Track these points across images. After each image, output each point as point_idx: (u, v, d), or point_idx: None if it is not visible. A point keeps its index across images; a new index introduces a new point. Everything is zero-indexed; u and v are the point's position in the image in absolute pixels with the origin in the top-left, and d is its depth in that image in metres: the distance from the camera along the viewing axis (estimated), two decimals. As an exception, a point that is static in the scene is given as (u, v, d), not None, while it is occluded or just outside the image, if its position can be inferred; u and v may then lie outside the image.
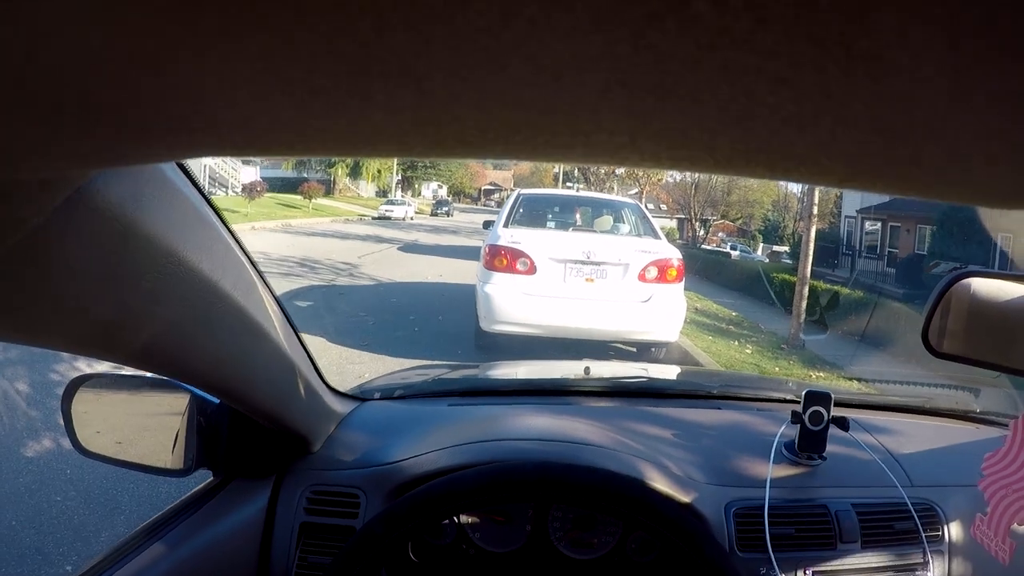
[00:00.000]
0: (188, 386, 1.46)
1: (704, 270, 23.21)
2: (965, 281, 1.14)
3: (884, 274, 29.68)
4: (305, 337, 1.50)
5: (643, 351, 8.39)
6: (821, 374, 9.74)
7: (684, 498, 1.58)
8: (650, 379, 2.57)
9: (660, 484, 1.56)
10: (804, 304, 12.43)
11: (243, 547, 1.53)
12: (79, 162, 0.44)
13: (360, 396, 1.97)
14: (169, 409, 1.50)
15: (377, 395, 2.02)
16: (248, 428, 1.50)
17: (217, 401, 1.47)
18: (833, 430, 1.76)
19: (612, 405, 2.13)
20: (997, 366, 1.13)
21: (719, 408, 2.17)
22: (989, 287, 1.17)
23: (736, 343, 11.73)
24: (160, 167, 0.74)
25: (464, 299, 9.15)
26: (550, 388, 2.36)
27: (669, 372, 3.96)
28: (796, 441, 1.77)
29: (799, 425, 1.76)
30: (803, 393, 1.77)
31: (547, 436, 1.77)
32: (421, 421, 1.85)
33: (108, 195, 0.60)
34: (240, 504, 1.55)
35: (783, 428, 1.82)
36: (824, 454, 1.77)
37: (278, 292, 1.32)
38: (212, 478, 1.59)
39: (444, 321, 10.33)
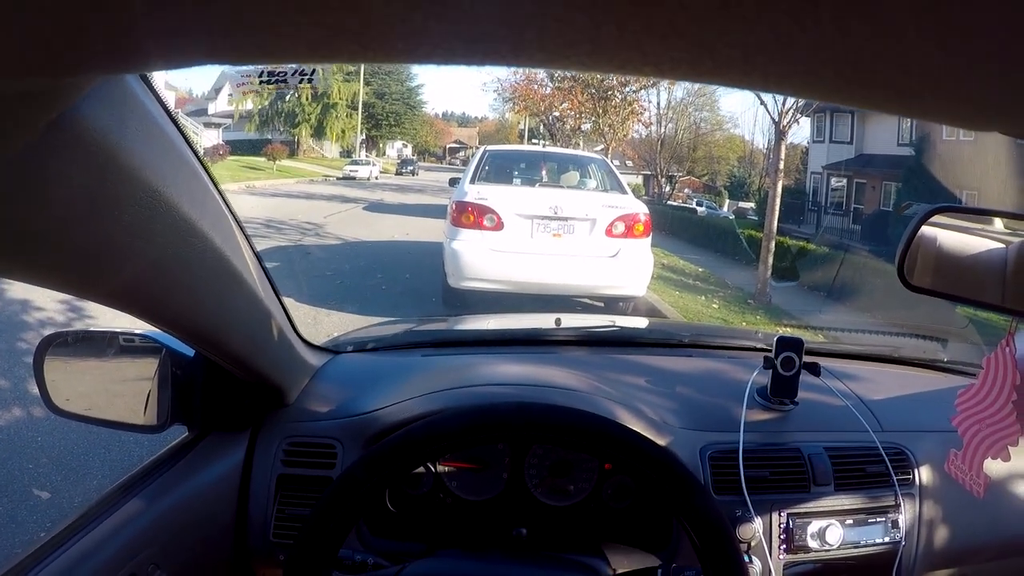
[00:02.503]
0: (162, 338, 1.45)
1: (671, 226, 23.26)
2: (938, 216, 1.14)
3: (850, 230, 29.97)
4: None
5: (611, 306, 8.41)
6: (788, 328, 9.82)
7: (660, 441, 1.58)
8: (622, 328, 2.59)
9: (636, 426, 1.55)
10: (771, 259, 12.50)
11: (221, 500, 1.52)
12: (58, 70, 0.43)
13: (333, 349, 1.96)
14: (139, 373, 1.48)
15: (350, 348, 2.01)
16: (223, 380, 1.49)
17: (192, 354, 1.46)
18: (805, 376, 1.78)
19: (584, 354, 2.13)
20: (969, 300, 1.15)
21: (690, 356, 2.18)
22: (962, 222, 1.18)
23: (703, 298, 11.81)
24: (145, 105, 0.74)
25: (431, 257, 9.11)
26: (523, 338, 2.36)
27: (639, 323, 3.97)
28: (768, 387, 1.78)
29: (771, 371, 1.77)
30: (775, 339, 1.78)
31: (522, 381, 1.77)
32: (395, 372, 1.85)
33: (92, 122, 0.60)
34: (217, 457, 1.54)
35: (755, 374, 1.83)
36: (796, 399, 1.78)
37: None
38: (187, 433, 1.58)
39: (411, 279, 10.32)
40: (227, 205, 1.09)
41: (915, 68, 0.36)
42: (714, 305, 11.34)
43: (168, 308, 1.04)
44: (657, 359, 2.12)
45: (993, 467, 1.76)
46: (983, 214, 1.20)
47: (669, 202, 36.69)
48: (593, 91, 22.37)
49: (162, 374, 1.47)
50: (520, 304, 7.53)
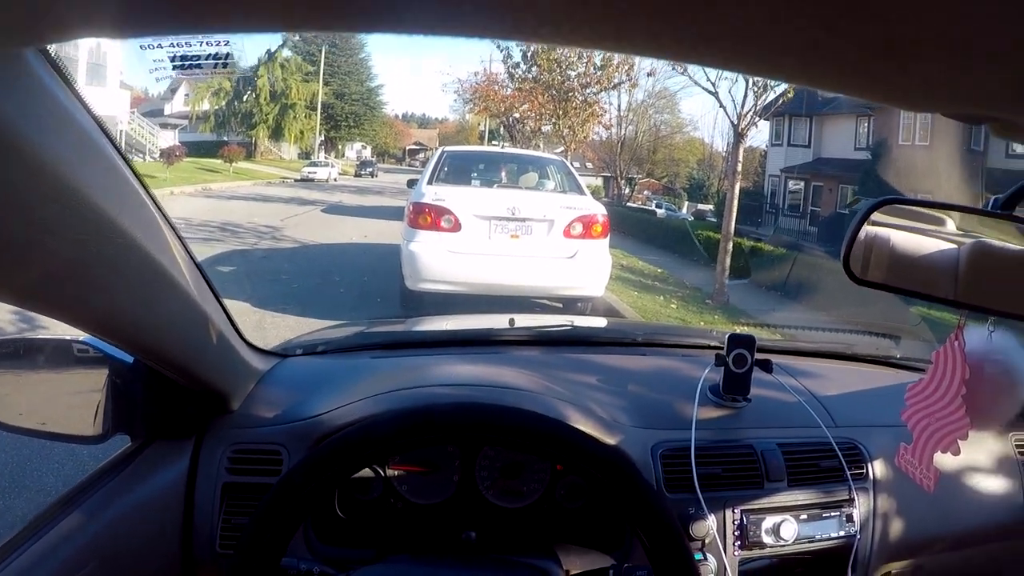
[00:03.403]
0: (101, 345, 1.41)
1: (630, 228, 23.37)
2: (885, 208, 1.14)
3: (807, 232, 30.45)
4: (229, 302, 1.45)
5: (569, 307, 8.41)
6: (745, 327, 9.88)
7: (610, 440, 1.58)
8: (575, 327, 2.57)
9: (585, 426, 1.54)
10: (728, 260, 12.60)
11: (166, 511, 1.48)
12: None
13: (281, 353, 1.92)
14: (93, 383, 1.43)
15: (299, 351, 1.97)
16: (165, 388, 1.45)
17: (131, 361, 1.42)
18: (758, 373, 1.78)
19: (537, 354, 2.12)
20: (915, 293, 1.15)
21: (644, 355, 2.18)
22: (907, 214, 1.17)
23: (661, 298, 11.88)
24: (53, 92, 0.71)
25: (390, 259, 9.07)
26: (474, 338, 2.33)
27: (594, 322, 3.96)
28: (721, 384, 1.79)
29: (723, 368, 1.77)
30: (726, 336, 1.79)
31: (470, 382, 1.76)
32: (343, 374, 1.82)
33: None
34: (160, 467, 1.51)
35: (707, 371, 1.83)
36: (749, 396, 1.79)
37: (200, 258, 1.26)
38: (131, 443, 1.55)
39: (369, 282, 10.28)
40: (153, 200, 1.06)
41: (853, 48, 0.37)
42: (672, 305, 11.40)
43: (89, 309, 1.01)
44: (610, 358, 2.11)
45: (946, 460, 1.78)
46: (928, 206, 1.21)
47: (628, 204, 36.88)
48: (554, 92, 22.42)
49: (106, 384, 1.43)
50: (478, 306, 7.49)
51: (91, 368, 1.44)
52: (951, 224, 1.16)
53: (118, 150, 0.89)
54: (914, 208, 1.20)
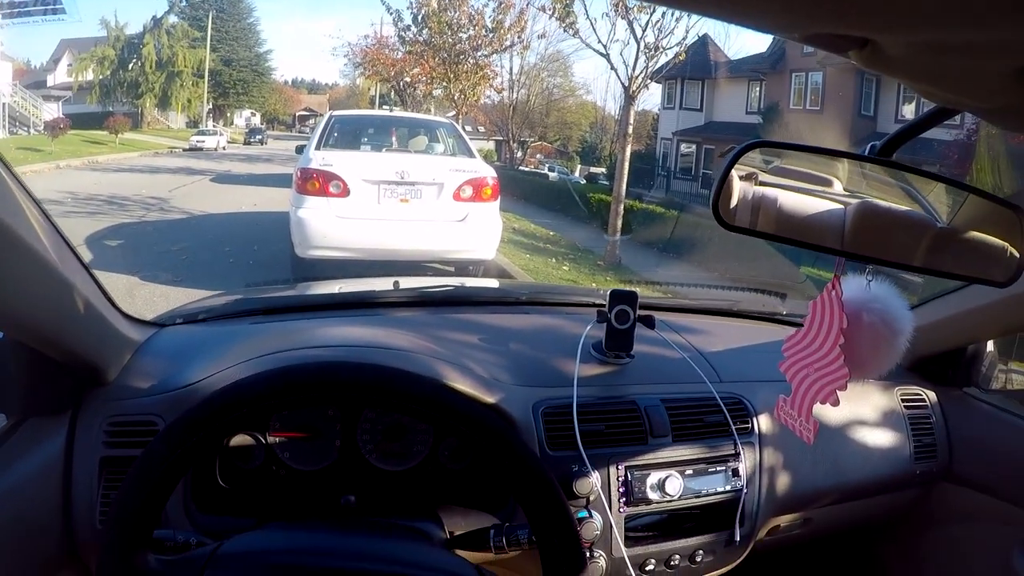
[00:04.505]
0: None
1: (522, 191, 23.37)
2: (752, 153, 1.12)
3: (698, 195, 30.84)
4: (115, 276, 1.40)
5: (461, 270, 8.39)
6: (638, 288, 9.98)
7: (488, 399, 1.57)
8: (457, 288, 2.54)
9: (462, 385, 1.55)
10: (620, 222, 12.72)
11: (44, 489, 1.43)
12: None
13: (160, 323, 1.87)
14: None
15: (179, 320, 1.92)
16: (37, 363, 1.40)
17: (0, 336, 1.37)
18: (641, 330, 1.79)
19: (420, 315, 2.10)
20: (782, 238, 1.12)
21: (527, 313, 2.17)
22: (771, 161, 1.16)
23: (553, 260, 11.94)
24: None
25: (281, 227, 8.90)
26: (356, 301, 2.29)
27: (479, 283, 3.96)
28: (604, 340, 1.79)
29: (606, 324, 1.77)
30: (608, 292, 1.79)
31: (348, 343, 1.73)
32: (222, 341, 1.77)
33: None
34: (36, 444, 1.45)
35: (589, 328, 1.84)
36: (632, 353, 1.80)
37: (86, 233, 1.22)
38: (6, 421, 1.49)
39: (260, 251, 10.15)
40: (10, 173, 1.03)
41: None
42: (564, 267, 11.47)
43: None
44: (493, 317, 2.10)
45: (833, 415, 1.79)
46: (793, 149, 1.20)
47: (521, 167, 36.78)
48: (445, 55, 22.19)
49: None
50: (369, 272, 7.41)
51: None
52: (837, 188, 1.16)
53: None
54: (780, 150, 1.19)
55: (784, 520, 1.86)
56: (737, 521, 1.68)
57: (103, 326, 1.52)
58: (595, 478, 1.54)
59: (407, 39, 23.63)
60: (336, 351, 1.66)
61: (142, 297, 6.95)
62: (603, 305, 1.82)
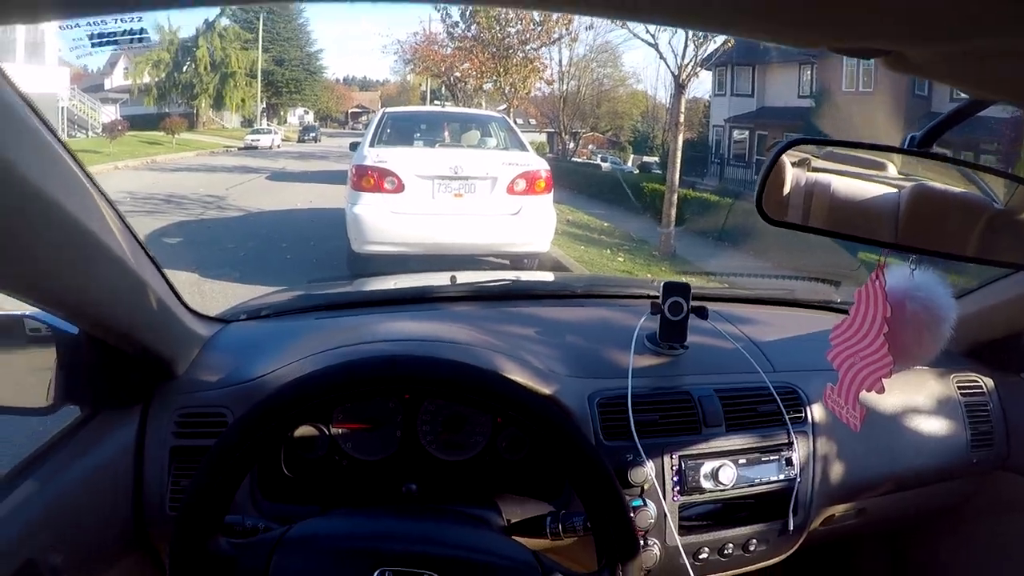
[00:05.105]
0: (45, 317, 1.41)
1: (575, 183, 23.29)
2: (795, 149, 1.14)
3: (751, 182, 30.27)
4: (176, 273, 1.44)
5: (516, 264, 8.38)
6: (691, 277, 9.90)
7: (545, 390, 1.59)
8: (514, 282, 2.55)
9: (519, 377, 1.56)
10: (674, 212, 12.64)
11: (116, 478, 1.49)
12: None
13: (225, 319, 1.92)
14: (44, 358, 1.43)
15: (243, 316, 1.97)
16: (110, 357, 1.46)
17: (76, 331, 1.42)
18: (695, 321, 1.79)
19: (476, 309, 2.13)
20: (827, 231, 1.14)
21: (582, 306, 2.19)
22: (817, 154, 1.18)
23: (608, 252, 11.89)
24: None
25: (336, 223, 8.96)
26: (415, 296, 2.33)
27: (535, 276, 3.95)
28: (657, 332, 1.80)
29: (659, 316, 1.78)
30: (661, 284, 1.80)
31: (408, 337, 1.76)
32: (286, 336, 1.82)
33: None
34: (109, 434, 1.51)
35: (643, 320, 1.84)
36: (686, 344, 1.80)
37: (146, 231, 1.27)
38: (80, 413, 1.54)
39: (316, 247, 10.22)
40: (86, 174, 1.07)
41: None
42: (619, 258, 11.43)
43: (28, 283, 1.03)
44: (548, 310, 2.11)
45: (887, 401, 1.80)
46: (838, 145, 1.21)
47: (573, 159, 36.57)
48: (494, 50, 22.22)
49: (56, 355, 1.43)
50: (426, 266, 7.39)
51: (42, 341, 1.44)
52: (892, 171, 1.17)
53: (49, 128, 0.90)
54: (824, 146, 1.20)
55: (838, 510, 1.85)
56: (791, 510, 1.68)
57: (173, 322, 1.57)
58: (649, 467, 1.55)
59: (455, 35, 23.70)
60: (396, 345, 1.70)
61: (200, 292, 7.03)
62: (656, 297, 1.82)
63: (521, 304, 2.18)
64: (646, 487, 1.55)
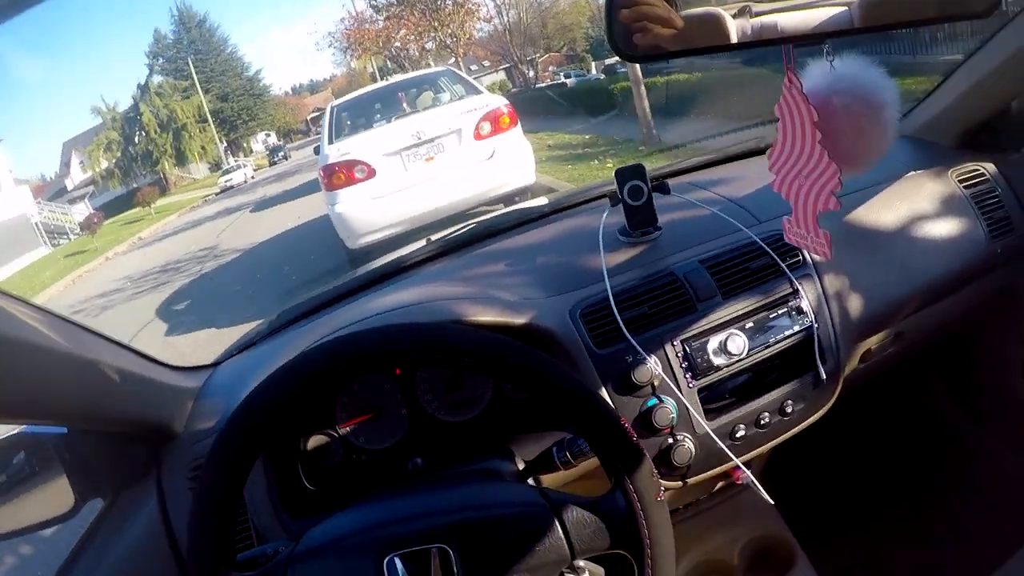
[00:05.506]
0: (28, 430, 1.41)
1: (547, 107, 23.16)
2: None
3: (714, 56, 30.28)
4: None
5: (510, 204, 8.26)
6: (683, 155, 9.85)
7: (520, 319, 1.53)
8: (477, 223, 2.48)
9: (485, 316, 1.51)
10: (646, 103, 12.56)
11: (154, 548, 1.47)
12: None
13: (213, 364, 1.89)
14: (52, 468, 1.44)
15: (235, 352, 1.94)
16: (107, 442, 1.47)
17: (64, 430, 1.41)
18: (666, 199, 1.75)
19: (448, 262, 2.09)
20: (679, 52, 0.97)
21: (548, 223, 2.13)
22: None
23: (596, 162, 11.87)
24: None
25: (328, 230, 8.99)
26: (389, 272, 2.25)
27: (497, 213, 3.90)
28: (625, 222, 1.73)
29: (621, 205, 1.72)
30: (613, 173, 1.73)
31: (368, 314, 1.69)
32: (271, 353, 1.77)
33: None
34: (134, 513, 1.51)
35: (604, 216, 1.77)
36: (659, 225, 1.74)
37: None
38: (102, 503, 1.54)
39: (316, 259, 10.27)
40: None
41: None
42: (608, 164, 11.39)
43: None
44: (515, 240, 2.06)
45: (887, 216, 1.74)
46: None
47: (538, 85, 36.51)
48: (423, 7, 22.09)
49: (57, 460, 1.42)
50: (424, 236, 7.33)
51: (39, 453, 1.43)
52: None
53: None
54: None
55: (872, 342, 1.76)
56: (818, 359, 1.59)
57: (153, 387, 1.54)
58: (653, 362, 1.48)
59: (380, 6, 23.52)
60: (360, 325, 1.62)
61: (221, 342, 7.03)
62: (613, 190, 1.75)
63: (489, 243, 2.12)
64: (656, 384, 1.48)
